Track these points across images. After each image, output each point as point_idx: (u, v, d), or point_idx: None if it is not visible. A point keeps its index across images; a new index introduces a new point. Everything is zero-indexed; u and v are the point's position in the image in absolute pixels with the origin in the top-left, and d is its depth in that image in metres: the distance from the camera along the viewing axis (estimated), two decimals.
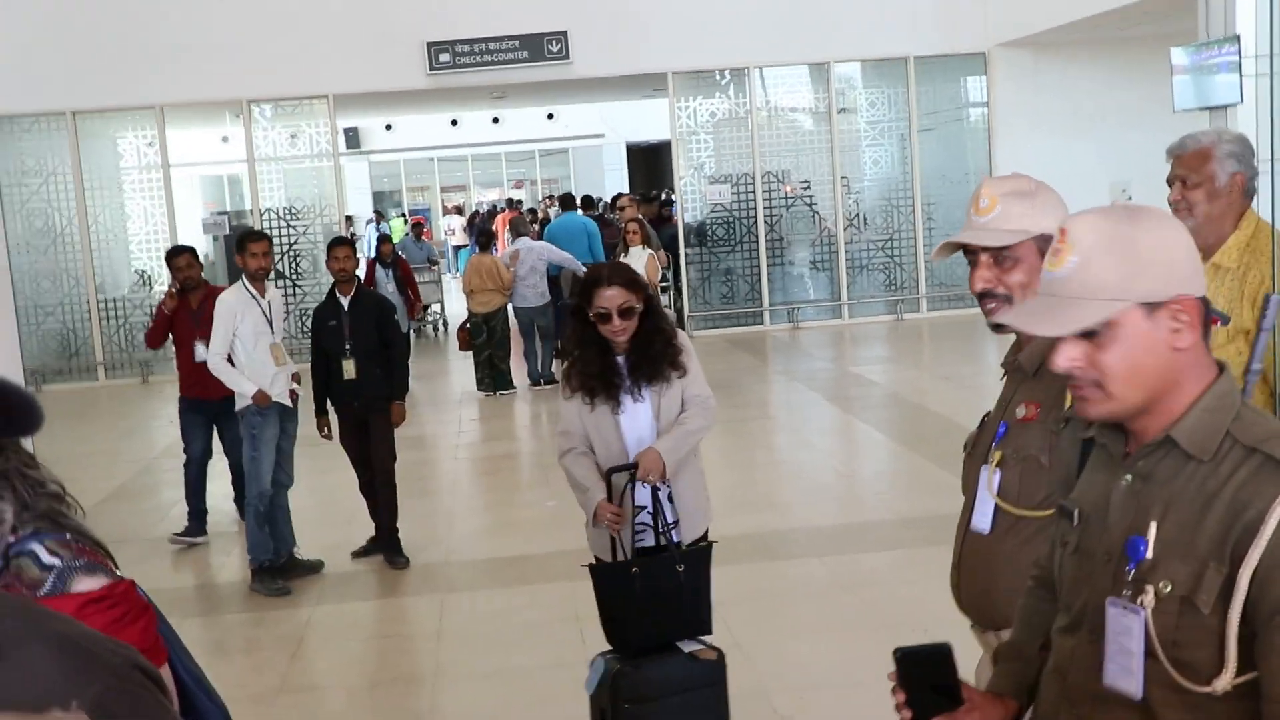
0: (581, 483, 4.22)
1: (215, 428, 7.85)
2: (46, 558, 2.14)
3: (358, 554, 7.37)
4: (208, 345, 7.31)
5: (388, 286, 13.84)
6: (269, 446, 6.91)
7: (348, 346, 7.16)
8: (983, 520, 2.58)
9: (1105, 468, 1.95)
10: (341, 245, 7.42)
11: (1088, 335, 1.81)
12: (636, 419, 4.23)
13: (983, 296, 2.56)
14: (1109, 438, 1.94)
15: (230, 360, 6.90)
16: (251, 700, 5.38)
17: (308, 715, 5.28)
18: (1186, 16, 11.50)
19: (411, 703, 5.30)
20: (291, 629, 6.36)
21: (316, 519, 7.92)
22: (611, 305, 4.11)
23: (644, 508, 4.20)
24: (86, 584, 2.14)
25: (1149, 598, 1.78)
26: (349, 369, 7.14)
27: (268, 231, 15.97)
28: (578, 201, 16.50)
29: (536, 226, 18.10)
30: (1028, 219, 2.50)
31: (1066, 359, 1.83)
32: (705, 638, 4.18)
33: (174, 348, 7.91)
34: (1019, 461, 2.53)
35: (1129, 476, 1.87)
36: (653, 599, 4.04)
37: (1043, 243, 2.49)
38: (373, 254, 26.73)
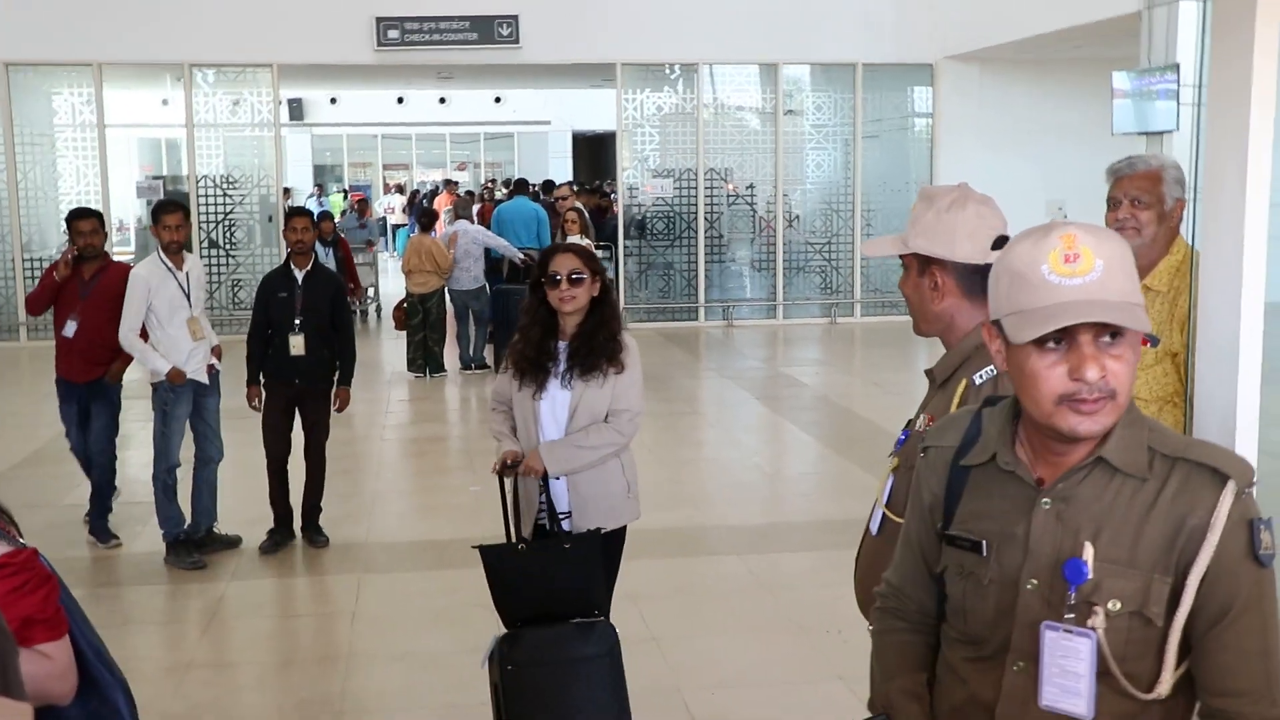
0: (496, 435, 4.40)
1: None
2: None
3: (265, 549, 7.05)
4: (79, 323, 6.98)
5: (327, 266, 13.40)
6: (179, 424, 6.81)
7: (298, 321, 6.95)
8: (874, 522, 2.65)
9: (1006, 494, 1.92)
10: (300, 216, 7.23)
11: (1105, 343, 1.77)
12: (555, 407, 4.26)
13: None
14: (1018, 464, 1.91)
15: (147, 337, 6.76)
16: (161, 674, 5.30)
17: (217, 691, 5.21)
18: (1129, 42, 11.68)
19: (323, 683, 5.25)
20: (205, 604, 6.27)
21: (237, 493, 7.81)
22: (563, 269, 4.21)
23: (543, 489, 4.25)
24: None
25: (1099, 619, 1.80)
26: (297, 345, 6.92)
27: (203, 199, 15.78)
28: (536, 186, 16.40)
29: (478, 208, 17.97)
30: (912, 231, 2.57)
31: (1099, 369, 1.77)
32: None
33: (53, 319, 7.20)
34: (908, 470, 2.52)
35: (1047, 501, 1.86)
36: (539, 575, 4.09)
37: (921, 263, 2.55)
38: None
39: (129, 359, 7.00)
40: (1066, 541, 1.83)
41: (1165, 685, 1.81)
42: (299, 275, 7.03)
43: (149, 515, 7.27)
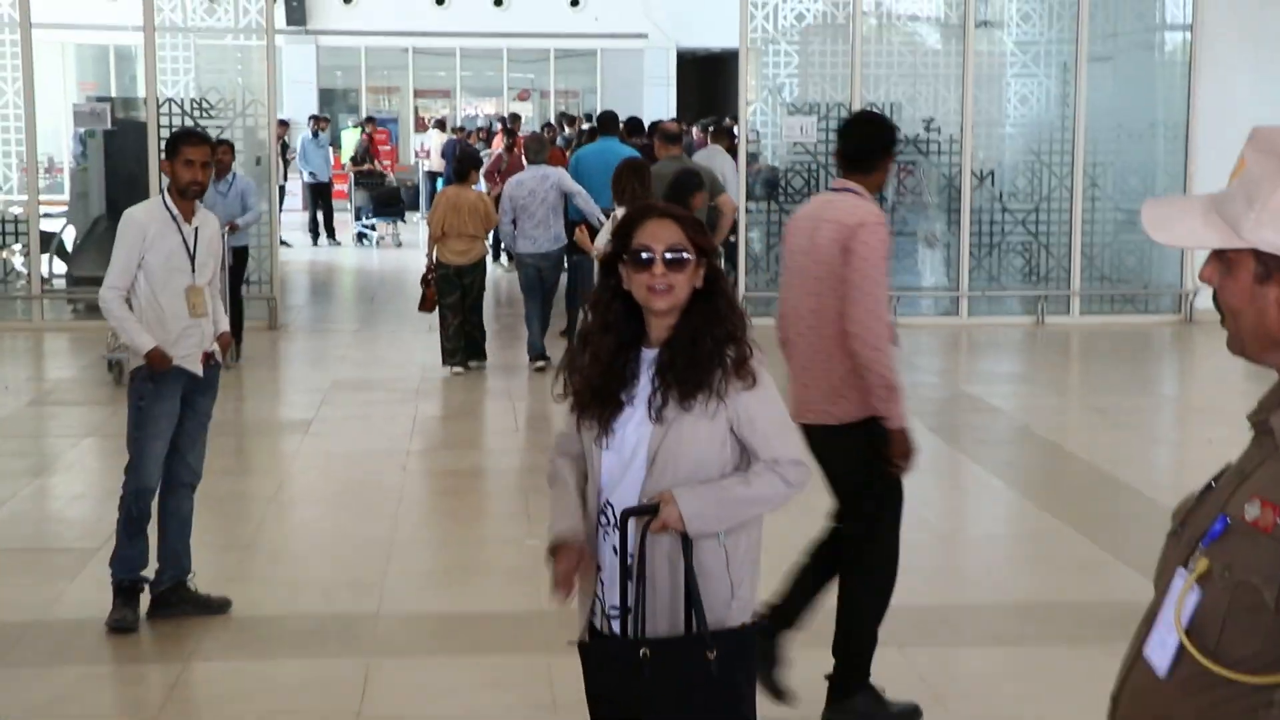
0: (552, 511, 4.17)
1: None
2: None
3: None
4: None
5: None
6: (158, 426, 6.86)
7: None
8: (1160, 655, 2.37)
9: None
10: None
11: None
12: (625, 454, 3.96)
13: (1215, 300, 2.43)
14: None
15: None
16: None
17: None
18: None
19: None
20: (149, 694, 6.36)
21: (211, 531, 7.89)
22: (656, 244, 3.86)
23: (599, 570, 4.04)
24: None
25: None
26: None
27: (167, 131, 15.97)
28: (621, 124, 16.45)
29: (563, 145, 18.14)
30: (1250, 212, 2.28)
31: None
32: None
33: None
34: (1229, 586, 2.28)
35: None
36: (670, 699, 3.87)
37: (1266, 264, 2.28)
38: (306, 168, 26.09)
39: None
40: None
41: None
42: None
43: (81, 563, 7.41)
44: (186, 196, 6.90)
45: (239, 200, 13.56)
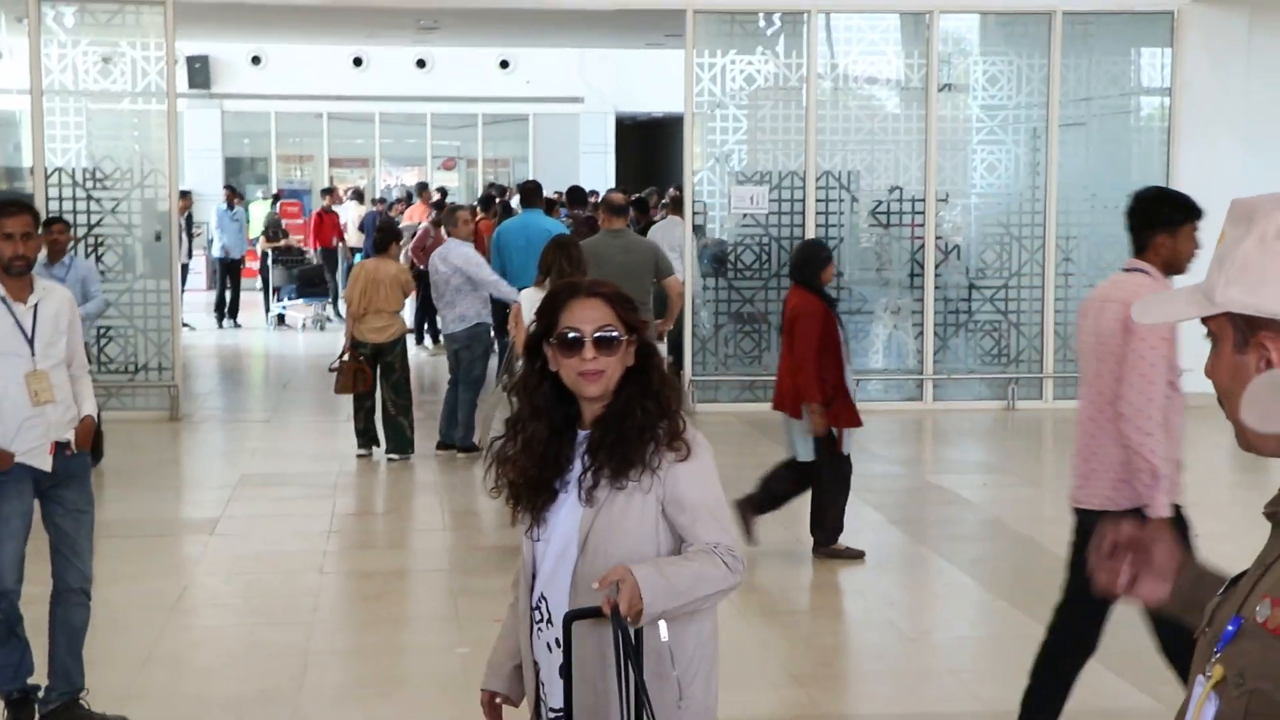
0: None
1: None
2: None
3: None
4: None
5: None
6: (10, 526, 6.79)
7: None
8: None
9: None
10: None
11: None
12: (557, 542, 4.02)
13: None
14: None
15: None
16: None
17: None
18: None
19: None
20: None
21: (118, 648, 7.84)
22: (584, 324, 3.92)
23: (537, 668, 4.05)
24: None
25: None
26: None
27: (56, 204, 15.91)
28: (561, 195, 16.54)
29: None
30: (1223, 276, 2.33)
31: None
32: None
33: None
34: (1244, 695, 2.26)
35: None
36: None
37: (1241, 329, 2.30)
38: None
39: None
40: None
41: None
42: None
43: None
44: (11, 273, 6.78)
45: (79, 287, 12.35)
